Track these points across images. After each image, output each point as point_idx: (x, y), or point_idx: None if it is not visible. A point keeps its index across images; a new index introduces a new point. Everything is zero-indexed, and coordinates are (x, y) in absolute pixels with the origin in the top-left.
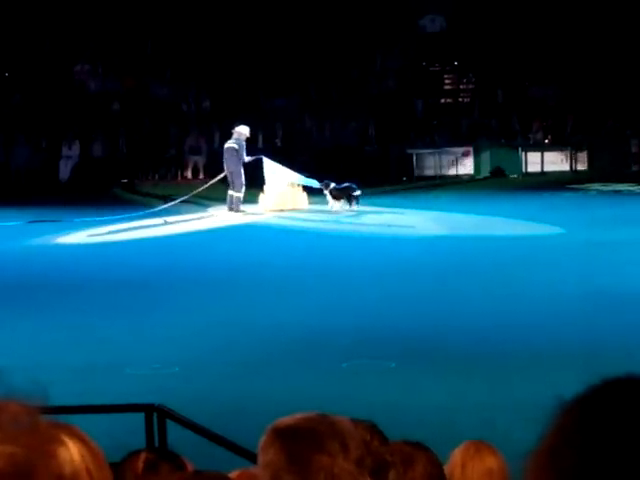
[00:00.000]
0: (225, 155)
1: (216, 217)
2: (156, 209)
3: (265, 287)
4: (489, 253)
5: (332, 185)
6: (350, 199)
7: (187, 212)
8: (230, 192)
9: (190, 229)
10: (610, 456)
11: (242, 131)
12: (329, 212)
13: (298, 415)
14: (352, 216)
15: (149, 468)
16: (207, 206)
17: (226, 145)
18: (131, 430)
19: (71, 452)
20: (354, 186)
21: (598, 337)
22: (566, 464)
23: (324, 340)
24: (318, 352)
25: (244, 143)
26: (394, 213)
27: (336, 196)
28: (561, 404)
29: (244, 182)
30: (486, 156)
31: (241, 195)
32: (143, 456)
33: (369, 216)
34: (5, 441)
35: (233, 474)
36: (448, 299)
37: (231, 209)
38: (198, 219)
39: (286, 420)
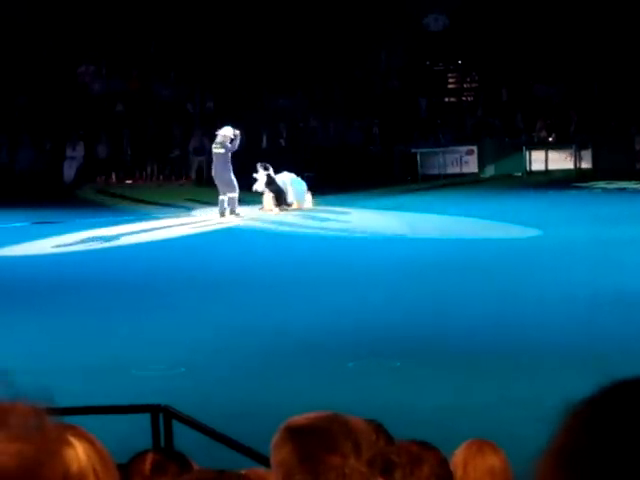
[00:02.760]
0: (214, 161)
1: (225, 220)
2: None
3: (269, 289)
4: (492, 252)
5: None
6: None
7: (184, 215)
8: (221, 197)
9: (190, 232)
10: (618, 458)
11: (226, 133)
12: (327, 212)
13: (311, 414)
14: (350, 217)
15: (156, 469)
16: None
17: (214, 150)
18: (138, 431)
19: (78, 453)
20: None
21: (602, 336)
22: (575, 466)
23: (329, 341)
24: (323, 352)
25: (229, 145)
26: (396, 214)
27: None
28: (570, 405)
29: (236, 184)
30: (490, 154)
31: (236, 195)
32: (150, 457)
33: (367, 217)
34: (13, 440)
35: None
36: (452, 298)
37: (222, 213)
38: (201, 222)
39: (299, 419)
